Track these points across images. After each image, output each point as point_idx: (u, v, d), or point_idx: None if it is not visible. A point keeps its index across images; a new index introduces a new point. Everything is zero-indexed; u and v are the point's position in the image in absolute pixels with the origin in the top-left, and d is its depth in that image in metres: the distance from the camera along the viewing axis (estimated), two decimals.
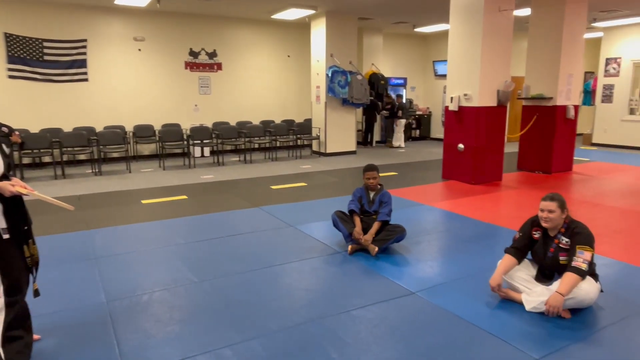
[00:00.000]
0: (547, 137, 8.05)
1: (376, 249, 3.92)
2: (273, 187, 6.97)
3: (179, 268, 3.73)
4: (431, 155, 10.35)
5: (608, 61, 11.84)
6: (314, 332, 2.71)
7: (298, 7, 9.11)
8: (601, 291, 2.97)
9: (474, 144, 7.08)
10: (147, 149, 10.03)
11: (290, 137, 10.53)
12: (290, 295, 3.23)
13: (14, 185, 2.13)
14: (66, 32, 8.90)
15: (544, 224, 2.98)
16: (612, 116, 11.81)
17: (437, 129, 13.49)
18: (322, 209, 5.43)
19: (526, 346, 2.54)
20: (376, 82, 11.61)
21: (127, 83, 9.63)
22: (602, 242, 4.15)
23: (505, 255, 3.13)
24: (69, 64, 8.99)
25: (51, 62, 8.82)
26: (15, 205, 2.23)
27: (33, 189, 2.20)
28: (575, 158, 8.67)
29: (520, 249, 3.11)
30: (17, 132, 7.81)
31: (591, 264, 2.85)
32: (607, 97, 11.89)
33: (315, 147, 10.77)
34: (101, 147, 8.43)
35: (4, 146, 2.32)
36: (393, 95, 12.20)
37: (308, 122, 10.89)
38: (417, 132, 13.71)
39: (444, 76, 11.98)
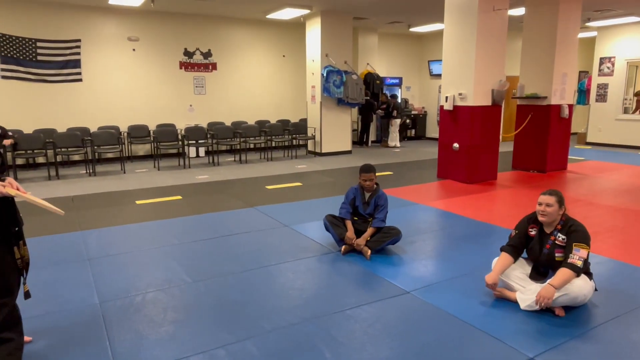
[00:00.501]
0: (542, 136, 8.07)
1: (369, 252, 3.87)
2: (268, 187, 6.96)
3: (173, 269, 3.71)
4: (426, 155, 10.36)
5: (602, 60, 11.90)
6: (308, 332, 2.70)
7: (293, 6, 9.10)
8: (595, 290, 2.98)
9: (468, 143, 7.09)
10: (141, 149, 9.99)
11: (286, 137, 10.52)
12: (284, 295, 3.22)
13: (5, 187, 2.11)
14: (60, 32, 8.85)
15: (540, 218, 2.99)
16: (606, 115, 11.87)
17: (433, 129, 13.51)
18: (318, 209, 5.42)
19: (521, 344, 2.54)
20: (371, 82, 11.61)
21: (121, 83, 9.58)
22: (596, 240, 4.15)
23: (501, 254, 3.13)
24: (63, 64, 8.94)
25: (45, 63, 8.76)
26: (5, 206, 2.21)
27: (25, 191, 2.17)
28: (569, 157, 8.70)
29: (516, 247, 3.12)
30: (11, 134, 7.75)
31: (586, 262, 2.86)
32: (602, 97, 11.94)
33: (310, 147, 10.76)
34: (95, 147, 8.38)
35: None
36: (388, 95, 12.21)
37: (303, 122, 10.87)
38: (413, 131, 13.73)
39: (439, 76, 12.01)
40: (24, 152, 8.10)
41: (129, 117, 9.68)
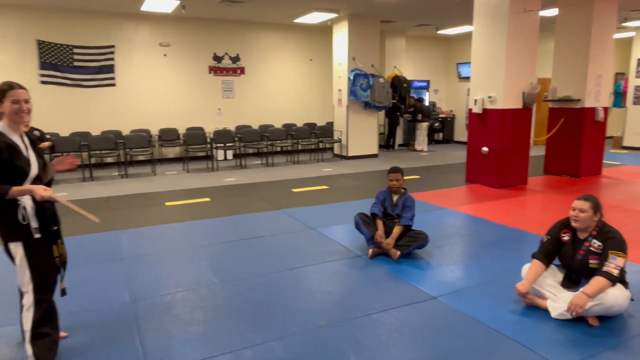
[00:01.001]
0: (575, 140, 7.85)
1: (398, 253, 3.88)
2: (295, 190, 7.00)
3: (201, 269, 3.77)
4: (454, 159, 10.21)
5: None
6: (334, 335, 2.70)
7: (321, 10, 9.15)
8: (631, 299, 2.88)
9: (498, 147, 6.96)
10: (171, 152, 10.21)
11: (312, 140, 10.56)
12: (311, 298, 3.23)
13: (46, 190, 2.21)
14: (95, 39, 9.16)
15: (573, 224, 2.92)
16: None
17: (461, 132, 13.31)
18: (344, 212, 5.42)
19: (552, 353, 2.47)
20: (399, 85, 11.54)
21: (152, 88, 9.84)
22: (633, 247, 3.99)
23: (533, 261, 3.05)
24: (98, 70, 9.24)
25: (80, 68, 9.09)
26: (46, 207, 2.32)
27: (64, 197, 2.29)
28: (604, 161, 8.42)
29: (548, 253, 3.04)
30: (48, 137, 8.05)
31: (622, 271, 2.76)
32: (639, 99, 11.51)
33: (336, 151, 10.77)
34: (127, 150, 8.62)
35: (38, 148, 2.41)
36: (415, 98, 12.10)
37: (330, 125, 10.90)
38: (441, 135, 13.55)
39: (467, 78, 11.83)
40: (60, 154, 8.40)
41: (159, 121, 9.93)
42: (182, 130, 10.02)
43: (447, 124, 13.56)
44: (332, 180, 7.79)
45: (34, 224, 2.26)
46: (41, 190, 2.19)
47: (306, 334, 2.73)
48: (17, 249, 2.24)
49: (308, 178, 8.03)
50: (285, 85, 11.30)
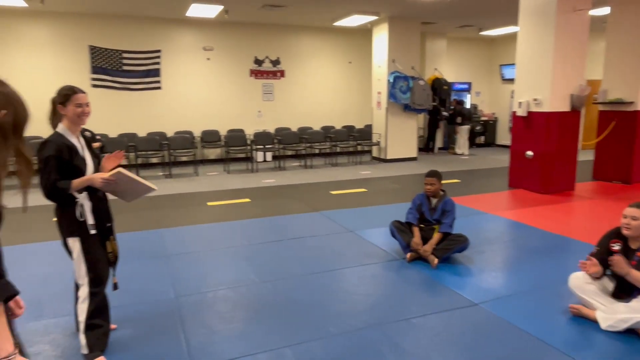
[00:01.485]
0: (627, 144, 7.48)
1: (436, 260, 3.80)
2: (333, 192, 7.03)
3: (242, 268, 3.86)
4: (497, 163, 9.96)
5: None
6: (373, 338, 2.70)
7: (361, 13, 9.15)
8: None
9: (543, 151, 6.73)
10: (213, 153, 10.47)
11: (351, 143, 10.56)
12: (349, 300, 3.25)
13: (102, 175, 2.33)
14: (142, 44, 9.53)
15: (624, 232, 2.80)
16: None
17: (503, 136, 12.96)
18: (382, 215, 5.39)
19: None
20: (439, 88, 11.38)
21: (196, 91, 10.13)
22: None
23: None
24: (145, 73, 9.61)
25: (129, 72, 9.48)
26: (101, 204, 2.45)
27: (120, 170, 2.35)
28: None
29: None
30: (98, 138, 8.45)
31: None
32: None
33: (375, 153, 10.73)
34: (171, 151, 8.92)
35: (92, 148, 2.55)
36: (455, 100, 11.88)
37: (368, 128, 10.87)
38: (482, 138, 13.23)
39: (511, 80, 11.51)
40: (109, 153, 8.77)
41: (202, 123, 10.20)
42: (223, 132, 10.26)
43: (489, 127, 13.22)
44: (371, 183, 7.77)
45: (90, 220, 2.38)
46: (98, 176, 2.32)
47: (345, 335, 2.74)
48: (74, 244, 2.37)
49: (346, 180, 8.05)
50: (324, 87, 11.37)
